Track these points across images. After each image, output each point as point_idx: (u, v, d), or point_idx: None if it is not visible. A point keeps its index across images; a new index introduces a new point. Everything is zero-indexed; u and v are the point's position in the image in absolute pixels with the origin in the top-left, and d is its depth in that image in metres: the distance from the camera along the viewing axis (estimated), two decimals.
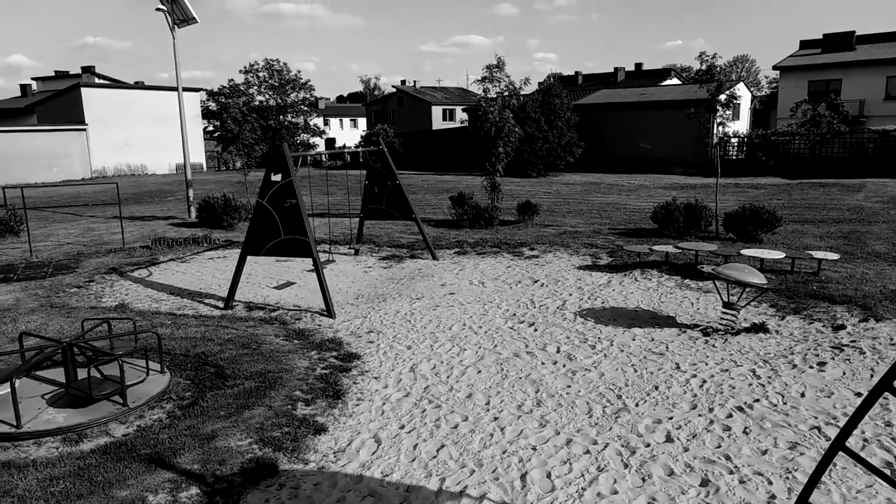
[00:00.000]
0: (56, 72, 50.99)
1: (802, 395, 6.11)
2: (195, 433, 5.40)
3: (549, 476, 4.80)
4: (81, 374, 6.20)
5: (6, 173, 30.14)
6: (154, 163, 40.86)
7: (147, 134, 39.70)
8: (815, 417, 5.63)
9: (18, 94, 50.17)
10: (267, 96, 46.88)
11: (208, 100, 46.80)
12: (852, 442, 5.10)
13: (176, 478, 4.70)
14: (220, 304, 9.71)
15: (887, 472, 4.72)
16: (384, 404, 6.11)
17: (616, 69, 55.14)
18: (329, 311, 9.03)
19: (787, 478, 4.69)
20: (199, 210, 17.80)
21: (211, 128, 47.83)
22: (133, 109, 39.41)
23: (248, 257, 9.56)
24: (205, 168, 44.56)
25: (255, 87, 46.46)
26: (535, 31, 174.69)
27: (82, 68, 44.62)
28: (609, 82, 52.32)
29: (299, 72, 47.62)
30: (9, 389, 5.64)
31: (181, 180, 28.42)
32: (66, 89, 39.48)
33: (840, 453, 3.16)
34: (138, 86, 44.36)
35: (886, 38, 37.17)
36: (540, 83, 38.10)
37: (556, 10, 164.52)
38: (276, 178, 9.19)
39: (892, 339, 7.41)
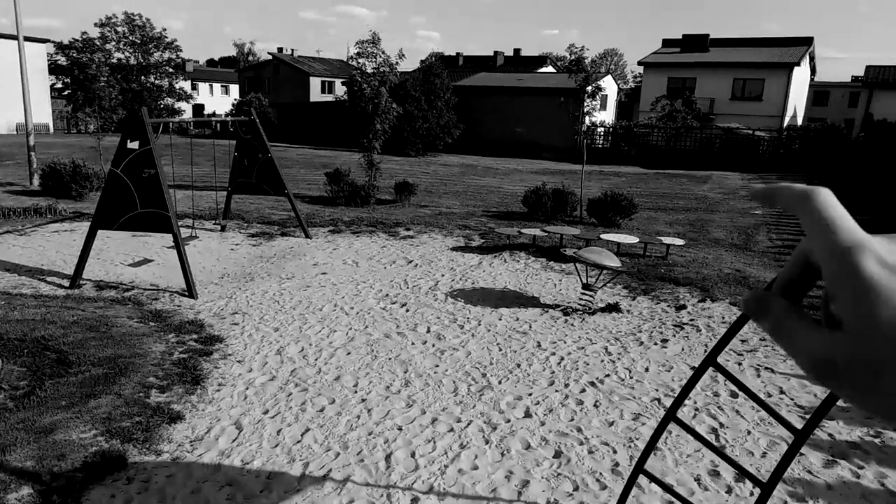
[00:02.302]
0: None
1: (647, 369, 6.66)
2: (30, 426, 4.93)
3: (413, 455, 4.89)
4: None
5: None
6: None
7: None
8: (657, 390, 6.17)
9: None
10: (127, 54, 43.14)
11: (56, 53, 42.29)
12: (686, 412, 5.65)
13: (4, 478, 4.27)
14: (66, 283, 8.88)
15: (712, 437, 5.29)
16: (247, 389, 5.91)
17: (496, 53, 56.25)
18: (190, 291, 8.55)
19: (630, 446, 5.11)
20: (44, 177, 16.11)
21: (60, 85, 43.29)
22: None
23: (100, 231, 8.79)
24: (52, 130, 40.32)
25: (113, 43, 42.59)
26: (419, 7, 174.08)
27: None
28: (489, 66, 53.30)
29: (164, 29, 44.37)
30: None
31: (22, 142, 25.50)
32: None
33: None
34: None
35: (735, 44, 40.87)
36: (422, 61, 38.13)
37: None
38: (133, 145, 8.50)
39: (723, 318, 8.26)
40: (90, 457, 4.54)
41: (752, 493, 4.49)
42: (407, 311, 8.35)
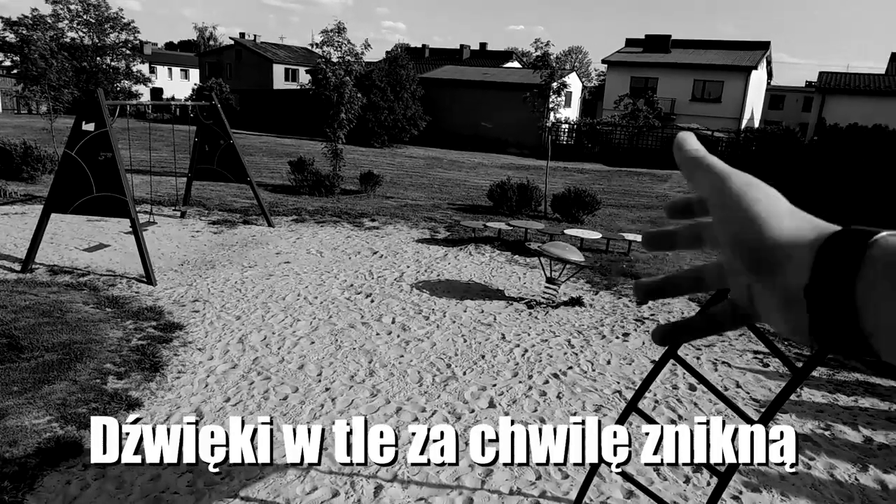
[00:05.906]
0: None
1: (608, 362, 6.78)
2: None
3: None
4: None
5: None
6: None
7: None
8: (618, 382, 6.29)
9: None
10: (81, 33, 41.62)
11: (4, 29, 40.45)
12: (646, 404, 5.77)
13: None
14: (17, 267, 8.56)
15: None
16: (208, 377, 5.80)
17: (462, 46, 56.22)
18: (149, 278, 8.33)
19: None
20: None
21: (8, 63, 41.46)
22: None
23: (53, 215, 8.49)
24: (0, 110, 38.69)
25: (66, 22, 41.01)
26: None
27: None
28: (455, 59, 53.25)
29: (121, 10, 42.92)
30: None
31: None
32: None
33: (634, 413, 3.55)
34: None
35: (696, 45, 41.75)
36: (388, 52, 37.83)
37: None
38: (89, 127, 8.22)
39: (683, 313, 8.46)
40: (44, 443, 4.40)
41: (709, 483, 4.62)
42: (372, 301, 8.30)
